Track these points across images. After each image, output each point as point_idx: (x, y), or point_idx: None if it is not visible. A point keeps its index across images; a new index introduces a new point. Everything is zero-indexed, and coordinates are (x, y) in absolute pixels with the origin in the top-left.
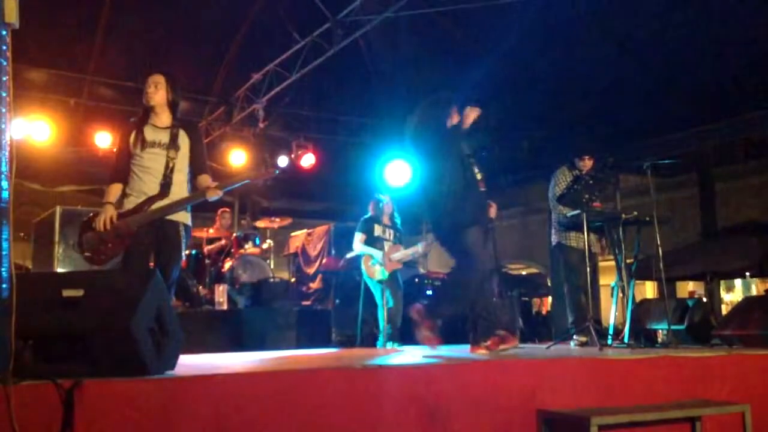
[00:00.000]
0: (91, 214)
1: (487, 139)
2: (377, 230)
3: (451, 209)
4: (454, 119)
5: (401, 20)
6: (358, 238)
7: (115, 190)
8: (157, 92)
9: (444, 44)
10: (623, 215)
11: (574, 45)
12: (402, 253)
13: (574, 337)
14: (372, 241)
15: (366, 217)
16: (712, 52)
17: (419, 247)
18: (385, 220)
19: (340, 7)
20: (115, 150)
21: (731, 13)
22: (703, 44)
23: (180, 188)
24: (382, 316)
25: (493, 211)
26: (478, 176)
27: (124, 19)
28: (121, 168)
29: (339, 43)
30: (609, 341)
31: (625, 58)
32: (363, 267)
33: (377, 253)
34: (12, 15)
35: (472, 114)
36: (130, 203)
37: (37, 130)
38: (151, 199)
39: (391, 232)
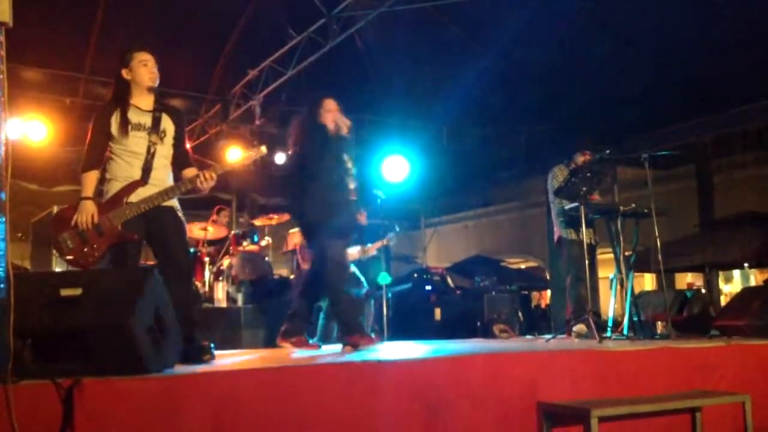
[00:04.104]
0: (57, 209)
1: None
2: None
3: (322, 219)
4: (326, 118)
5: (397, 15)
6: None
7: (92, 181)
8: (156, 71)
9: (440, 39)
10: (621, 208)
11: (571, 39)
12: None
13: (574, 329)
14: None
15: None
16: (709, 44)
17: (362, 250)
18: None
19: (335, 3)
20: (90, 134)
21: (728, 5)
22: (701, 36)
23: (160, 174)
24: (322, 321)
25: (362, 219)
26: (351, 185)
27: (119, 17)
28: (98, 154)
29: (335, 39)
30: (608, 333)
31: (623, 52)
32: None
33: None
34: (6, 14)
35: (343, 126)
36: (113, 188)
37: (33, 130)
38: (131, 186)
39: None
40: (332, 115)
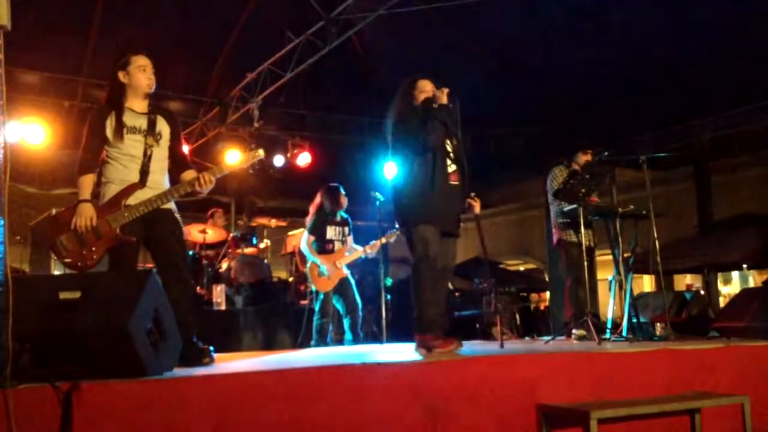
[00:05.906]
0: (55, 212)
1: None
2: (330, 232)
3: (408, 202)
4: (420, 97)
5: (395, 18)
6: (307, 240)
7: (89, 184)
8: (153, 77)
9: (438, 41)
10: (620, 209)
11: (568, 41)
12: (347, 259)
13: (573, 331)
14: (323, 243)
15: (318, 216)
16: (707, 46)
17: (366, 248)
18: (337, 216)
19: (333, 5)
20: (85, 137)
21: (728, 6)
22: (699, 38)
23: (158, 177)
24: (317, 321)
25: (476, 207)
26: (450, 168)
27: (117, 20)
28: (93, 157)
29: (333, 42)
30: (607, 335)
31: (620, 54)
32: (308, 274)
33: (325, 264)
34: (3, 17)
35: (441, 95)
36: (110, 191)
37: (31, 132)
38: (129, 189)
39: (341, 230)
40: (427, 96)
